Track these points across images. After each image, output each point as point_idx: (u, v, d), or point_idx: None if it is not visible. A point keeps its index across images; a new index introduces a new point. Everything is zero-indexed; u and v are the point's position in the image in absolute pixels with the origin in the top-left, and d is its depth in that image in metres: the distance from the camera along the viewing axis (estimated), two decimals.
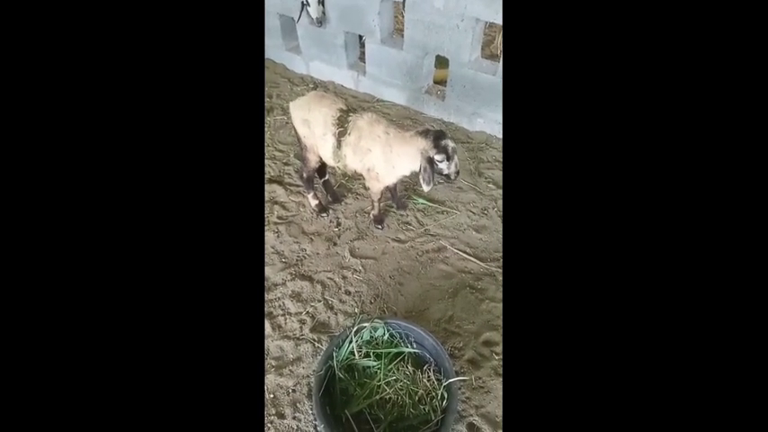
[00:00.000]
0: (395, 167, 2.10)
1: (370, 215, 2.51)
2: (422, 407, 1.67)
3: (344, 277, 2.28)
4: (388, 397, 1.71)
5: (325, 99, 2.22)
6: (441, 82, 3.54)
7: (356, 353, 1.80)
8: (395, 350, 1.82)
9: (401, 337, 1.88)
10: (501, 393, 1.81)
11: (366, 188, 2.38)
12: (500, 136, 3.26)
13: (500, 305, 2.14)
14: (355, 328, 1.81)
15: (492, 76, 3.06)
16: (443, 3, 2.88)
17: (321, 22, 3.37)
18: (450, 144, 1.94)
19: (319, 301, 2.16)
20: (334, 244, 2.45)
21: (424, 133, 1.96)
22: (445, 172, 2.00)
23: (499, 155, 3.11)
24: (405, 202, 2.64)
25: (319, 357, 1.81)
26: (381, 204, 2.45)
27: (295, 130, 2.33)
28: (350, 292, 2.21)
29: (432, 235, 2.49)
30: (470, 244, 2.44)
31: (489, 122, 3.27)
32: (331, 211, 2.62)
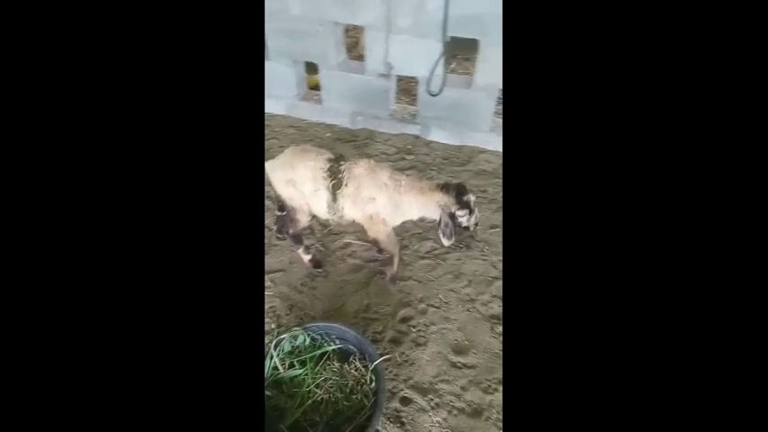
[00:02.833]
0: (404, 213, 1.98)
1: (387, 275, 2.21)
2: (354, 396, 1.72)
3: None
4: (320, 398, 1.72)
5: (307, 153, 2.02)
6: (316, 87, 3.61)
7: (280, 366, 1.76)
8: (318, 352, 1.84)
9: (323, 338, 1.90)
10: (424, 362, 1.95)
11: (369, 240, 2.13)
12: (381, 130, 3.45)
13: (409, 282, 2.29)
14: (273, 343, 1.78)
15: (362, 76, 3.23)
16: (299, 9, 2.94)
17: None
18: (472, 198, 1.87)
19: None
20: None
21: (445, 188, 1.86)
22: (465, 225, 1.91)
23: (384, 147, 3.29)
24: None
25: None
26: (398, 260, 2.17)
27: (276, 193, 2.07)
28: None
29: (335, 234, 2.55)
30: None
31: (369, 119, 3.44)
32: None
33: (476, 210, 1.90)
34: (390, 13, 2.83)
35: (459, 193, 1.84)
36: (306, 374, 1.77)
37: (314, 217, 2.14)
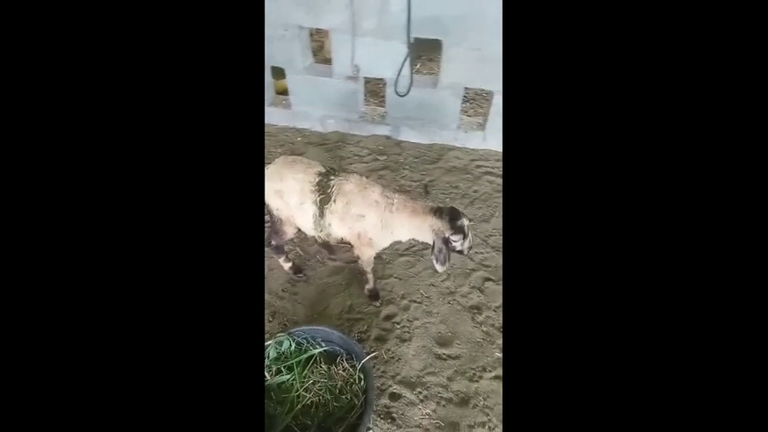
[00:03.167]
0: (393, 233, 1.91)
1: (365, 290, 2.23)
2: (344, 397, 1.73)
3: None
4: (309, 402, 1.72)
5: (297, 164, 1.96)
6: (284, 92, 3.59)
7: (267, 374, 1.75)
8: (305, 356, 1.83)
9: (308, 342, 1.89)
10: (410, 357, 1.98)
11: (356, 257, 2.10)
12: (354, 132, 3.47)
13: (390, 280, 2.32)
14: None
15: (330, 79, 3.24)
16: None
17: None
18: (466, 222, 1.81)
19: None
20: None
21: (438, 212, 1.80)
22: (458, 249, 1.85)
23: (356, 149, 3.31)
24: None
25: None
26: (373, 276, 2.20)
27: (266, 204, 2.01)
28: None
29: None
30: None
31: (339, 122, 3.46)
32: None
33: (470, 234, 1.85)
34: (355, 16, 2.86)
35: (452, 217, 1.79)
36: (294, 379, 1.76)
37: (299, 231, 2.11)
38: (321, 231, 1.97)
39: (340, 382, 1.77)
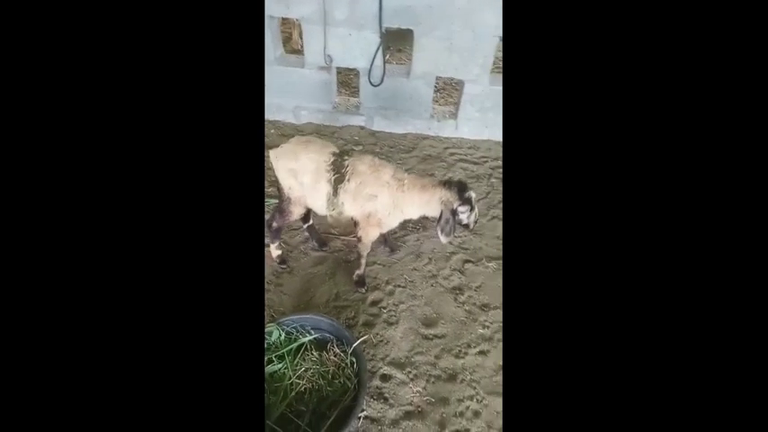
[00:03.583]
0: (403, 212, 1.99)
1: (354, 275, 2.25)
2: (336, 381, 1.76)
3: None
4: (303, 389, 1.74)
5: (312, 144, 1.99)
6: None
7: None
8: (295, 345, 1.85)
9: (298, 331, 1.91)
10: (398, 339, 2.04)
11: (357, 238, 2.12)
12: (328, 123, 3.46)
13: (374, 267, 2.37)
14: None
15: (302, 69, 3.20)
16: None
17: None
18: (473, 195, 1.88)
19: None
20: None
21: (447, 184, 1.89)
22: (465, 222, 1.93)
23: (331, 140, 3.30)
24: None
25: None
26: (365, 261, 2.21)
27: (278, 182, 2.01)
28: None
29: (294, 229, 2.54)
30: (332, 224, 2.58)
31: (313, 113, 3.43)
32: None
33: (476, 207, 1.93)
34: (326, 5, 2.84)
35: (460, 189, 1.87)
36: (285, 368, 1.78)
37: (308, 212, 2.12)
38: (334, 210, 2.02)
39: (332, 368, 1.80)
